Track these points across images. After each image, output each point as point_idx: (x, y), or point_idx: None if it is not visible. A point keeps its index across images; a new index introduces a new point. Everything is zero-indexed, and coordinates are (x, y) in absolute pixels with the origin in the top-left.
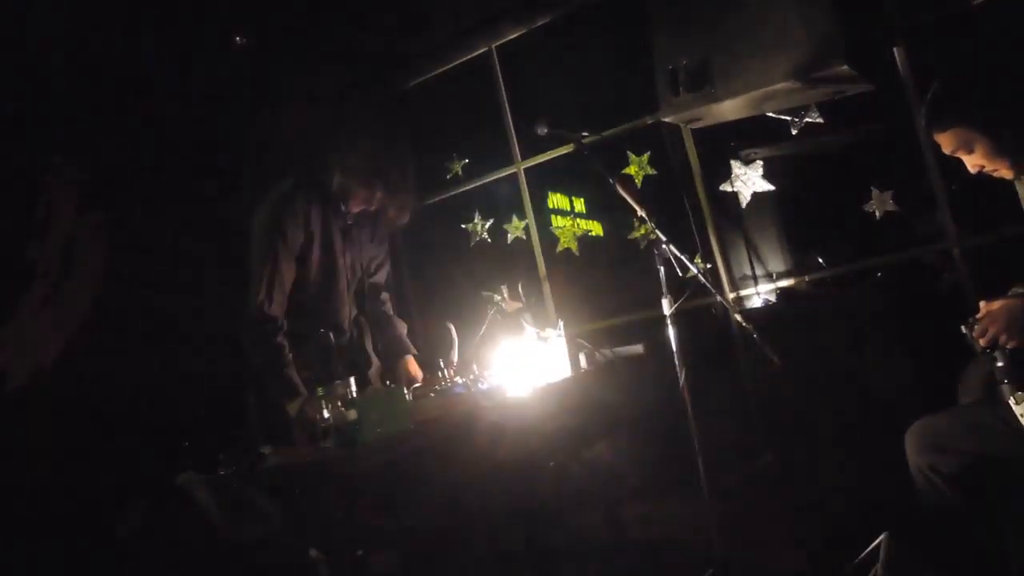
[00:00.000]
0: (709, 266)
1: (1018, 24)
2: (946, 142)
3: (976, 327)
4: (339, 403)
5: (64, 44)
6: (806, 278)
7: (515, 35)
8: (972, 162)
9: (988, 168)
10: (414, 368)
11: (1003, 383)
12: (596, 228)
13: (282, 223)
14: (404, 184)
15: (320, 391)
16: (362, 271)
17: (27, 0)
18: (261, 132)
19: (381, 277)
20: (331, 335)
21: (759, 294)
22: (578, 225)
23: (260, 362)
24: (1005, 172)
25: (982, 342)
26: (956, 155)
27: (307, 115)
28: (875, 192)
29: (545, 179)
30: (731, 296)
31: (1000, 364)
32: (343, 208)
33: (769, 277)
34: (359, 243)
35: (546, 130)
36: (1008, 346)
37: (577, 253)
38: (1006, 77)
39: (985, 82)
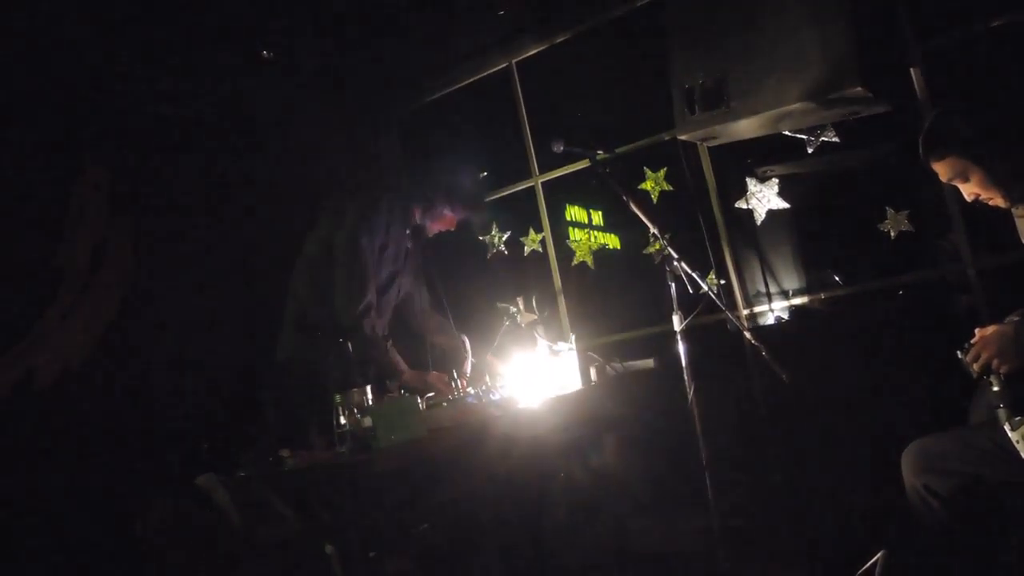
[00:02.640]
0: (723, 282)
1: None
2: (942, 171)
3: (970, 352)
4: (355, 410)
5: (98, 52)
6: (822, 295)
7: (535, 51)
8: (968, 191)
9: (983, 197)
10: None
11: (998, 408)
12: (613, 241)
13: (371, 228)
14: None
15: (338, 398)
16: (406, 291)
17: (61, 9)
18: (292, 140)
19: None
20: (349, 345)
21: (772, 311)
22: (594, 239)
23: (369, 350)
24: (999, 201)
25: (976, 367)
26: (953, 183)
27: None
28: (890, 212)
29: (563, 192)
30: (744, 313)
31: (995, 389)
32: (421, 229)
33: (783, 295)
34: (411, 266)
35: (562, 148)
36: (1001, 371)
37: (592, 267)
38: (1001, 108)
39: (980, 114)
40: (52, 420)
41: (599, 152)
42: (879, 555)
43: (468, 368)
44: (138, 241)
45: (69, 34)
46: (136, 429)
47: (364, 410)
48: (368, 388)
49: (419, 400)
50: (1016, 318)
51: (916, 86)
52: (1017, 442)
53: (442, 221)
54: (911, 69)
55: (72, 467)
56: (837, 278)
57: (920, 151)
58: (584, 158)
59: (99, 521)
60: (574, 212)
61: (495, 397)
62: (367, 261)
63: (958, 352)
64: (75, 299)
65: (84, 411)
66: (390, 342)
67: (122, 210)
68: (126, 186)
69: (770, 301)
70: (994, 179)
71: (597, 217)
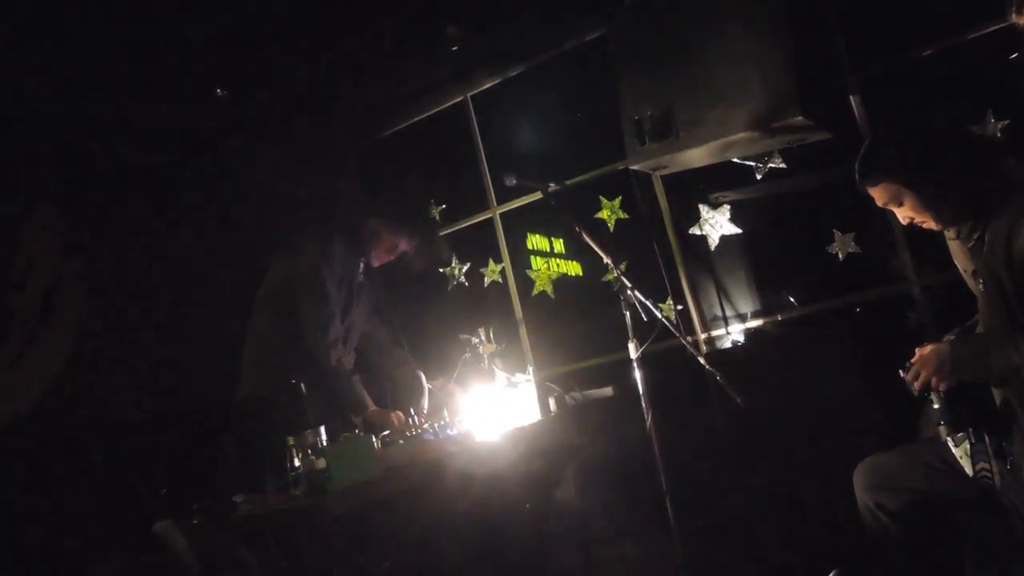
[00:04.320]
0: (680, 308)
1: (960, 77)
2: (877, 196)
3: (910, 371)
4: (309, 451)
5: (47, 94)
6: (779, 317)
7: (489, 84)
8: (902, 214)
9: (917, 220)
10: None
11: (939, 424)
12: (575, 269)
13: (329, 261)
14: (430, 238)
15: (290, 440)
16: (360, 325)
17: (10, 49)
18: (247, 179)
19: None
20: (301, 385)
21: (729, 334)
22: (555, 267)
23: (333, 383)
24: (932, 224)
25: (916, 385)
26: (888, 207)
27: (307, 164)
28: (837, 234)
29: (525, 220)
30: (702, 337)
31: (936, 406)
32: (366, 259)
33: (740, 318)
34: (363, 300)
35: (514, 181)
36: (940, 388)
37: (552, 296)
38: (933, 135)
39: (911, 140)
40: (2, 468)
41: (551, 184)
42: (832, 574)
43: (425, 404)
44: (92, 284)
45: (18, 74)
46: (90, 476)
47: (317, 451)
48: (322, 429)
49: (374, 439)
50: (953, 336)
51: (856, 113)
52: (960, 457)
53: (385, 250)
54: (850, 97)
55: (23, 516)
56: (792, 299)
57: (856, 177)
58: (537, 190)
59: (53, 571)
60: (535, 240)
61: (452, 432)
62: (329, 294)
63: (900, 371)
64: (25, 344)
65: (34, 458)
66: (356, 376)
67: (74, 254)
68: (79, 229)
69: (727, 325)
70: (925, 203)
71: (559, 245)
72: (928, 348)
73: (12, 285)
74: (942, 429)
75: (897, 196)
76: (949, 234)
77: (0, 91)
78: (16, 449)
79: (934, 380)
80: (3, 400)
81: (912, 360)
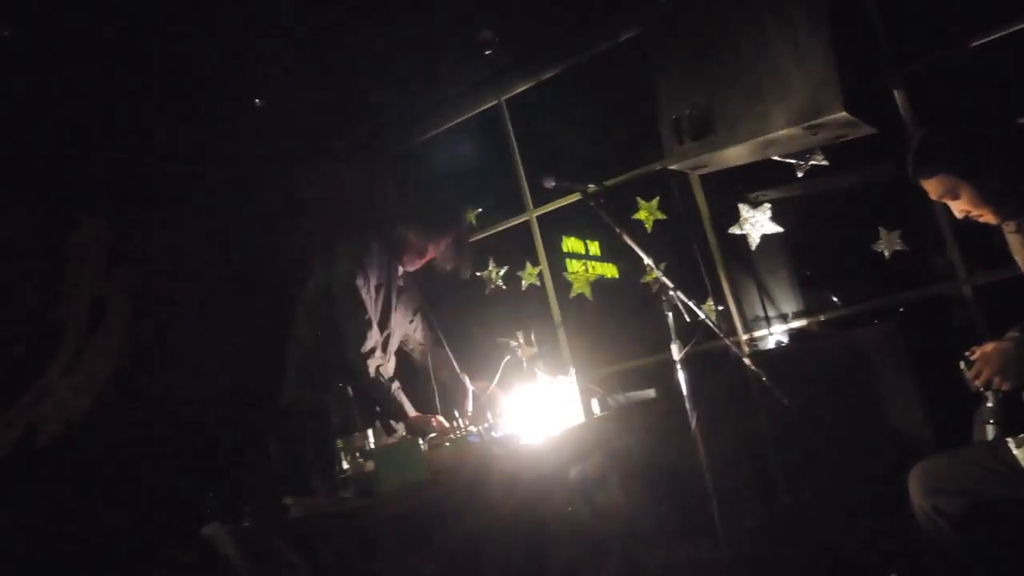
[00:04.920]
0: (721, 308)
1: (1007, 70)
2: (932, 189)
3: (972, 369)
4: (357, 454)
5: (92, 107)
6: (822, 317)
7: (524, 87)
8: (958, 208)
9: (974, 214)
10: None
11: (988, 423)
12: (611, 271)
13: (365, 270)
14: (459, 245)
15: (340, 443)
16: (403, 331)
17: (55, 65)
18: (288, 188)
19: (419, 337)
20: (349, 389)
21: (772, 335)
22: (591, 269)
23: (373, 392)
24: (989, 218)
25: (977, 383)
26: (943, 200)
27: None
28: (883, 232)
29: (560, 223)
30: (744, 338)
31: (989, 405)
32: (400, 265)
33: (782, 318)
34: (403, 304)
35: (553, 183)
36: (1002, 388)
37: (590, 298)
38: (989, 126)
39: (968, 131)
40: (54, 476)
41: (590, 185)
42: None
43: (469, 406)
44: (138, 293)
45: (65, 87)
46: (140, 481)
47: (366, 454)
48: (370, 432)
49: (421, 442)
50: (1016, 333)
51: (900, 108)
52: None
53: (416, 254)
54: (894, 92)
55: (75, 522)
56: (835, 299)
57: (910, 169)
58: (575, 192)
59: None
60: (571, 243)
61: (497, 435)
62: (364, 302)
63: (961, 363)
64: (76, 354)
65: (85, 466)
66: (396, 384)
67: (121, 264)
68: (125, 239)
69: (769, 325)
70: (984, 196)
71: (594, 247)
72: (991, 346)
73: (63, 296)
74: (990, 428)
75: (954, 189)
76: (1008, 227)
77: (47, 108)
78: (68, 454)
79: (997, 380)
80: (56, 408)
81: (973, 356)
